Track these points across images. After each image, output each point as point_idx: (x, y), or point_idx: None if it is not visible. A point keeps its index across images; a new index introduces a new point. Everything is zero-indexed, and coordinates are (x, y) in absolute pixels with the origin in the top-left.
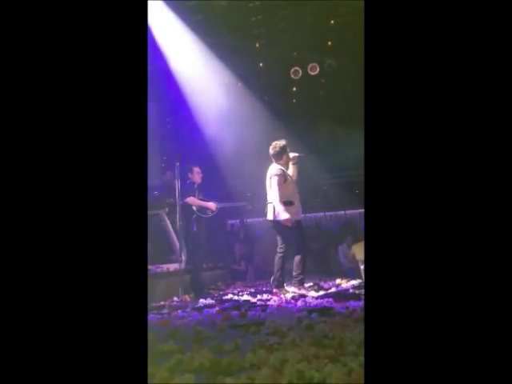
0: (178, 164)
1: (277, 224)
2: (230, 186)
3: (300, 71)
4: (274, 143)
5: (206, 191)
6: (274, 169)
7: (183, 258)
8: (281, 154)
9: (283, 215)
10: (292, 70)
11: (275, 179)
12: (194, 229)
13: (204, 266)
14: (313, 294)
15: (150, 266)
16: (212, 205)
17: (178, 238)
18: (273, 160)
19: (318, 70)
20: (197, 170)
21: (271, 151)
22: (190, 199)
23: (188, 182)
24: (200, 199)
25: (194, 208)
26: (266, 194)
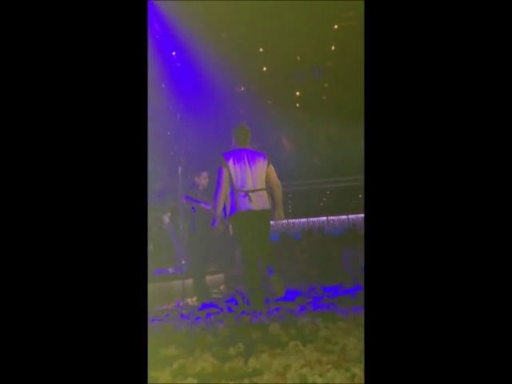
0: (180, 167)
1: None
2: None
3: (303, 75)
4: (239, 124)
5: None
6: (261, 155)
7: (186, 261)
8: (247, 137)
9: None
10: (295, 74)
11: (272, 167)
12: (193, 231)
13: (207, 269)
14: (316, 299)
15: (152, 270)
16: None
17: (180, 241)
18: (238, 144)
19: (321, 74)
20: (204, 174)
21: (239, 134)
22: (184, 199)
23: (192, 185)
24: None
25: (191, 208)
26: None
